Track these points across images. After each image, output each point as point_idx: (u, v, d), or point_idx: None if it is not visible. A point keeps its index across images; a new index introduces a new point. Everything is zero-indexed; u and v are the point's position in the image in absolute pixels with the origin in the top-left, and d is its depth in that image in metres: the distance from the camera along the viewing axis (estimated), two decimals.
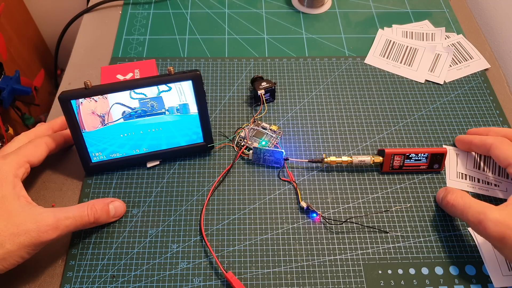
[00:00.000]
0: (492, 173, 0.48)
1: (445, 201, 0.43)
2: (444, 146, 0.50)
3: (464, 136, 0.49)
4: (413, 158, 0.47)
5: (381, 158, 0.47)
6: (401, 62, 0.58)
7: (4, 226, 0.35)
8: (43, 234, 0.36)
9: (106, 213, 0.42)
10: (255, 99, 0.53)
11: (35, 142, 0.43)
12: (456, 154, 0.49)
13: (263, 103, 0.52)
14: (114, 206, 0.43)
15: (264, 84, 0.52)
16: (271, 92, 0.52)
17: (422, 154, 0.47)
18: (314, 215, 0.44)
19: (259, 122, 0.51)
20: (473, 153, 0.49)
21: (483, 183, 0.47)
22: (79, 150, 0.45)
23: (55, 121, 0.48)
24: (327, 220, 0.44)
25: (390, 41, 0.60)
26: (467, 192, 0.46)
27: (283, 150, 0.47)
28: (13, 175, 0.38)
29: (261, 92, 0.51)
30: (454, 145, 0.50)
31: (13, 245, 0.35)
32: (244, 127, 0.51)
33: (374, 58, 0.59)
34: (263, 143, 0.49)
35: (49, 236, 0.36)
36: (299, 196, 0.45)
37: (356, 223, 0.44)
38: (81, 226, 0.40)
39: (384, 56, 0.59)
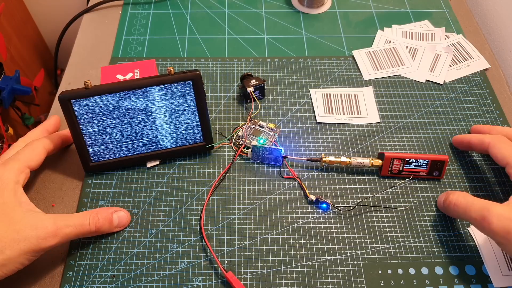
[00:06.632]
0: None
1: (447, 202, 0.42)
2: (443, 151, 0.50)
3: (462, 136, 0.49)
4: (413, 163, 0.46)
5: (380, 162, 0.47)
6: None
7: (4, 232, 0.35)
8: (42, 241, 0.36)
9: (109, 223, 0.41)
10: (244, 96, 0.53)
11: (32, 146, 0.42)
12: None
13: (254, 100, 0.52)
14: (118, 216, 0.42)
15: (253, 81, 0.52)
16: (260, 90, 0.53)
17: (423, 160, 0.46)
18: (324, 205, 0.44)
19: (256, 120, 0.52)
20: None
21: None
22: (79, 150, 0.45)
23: (48, 122, 0.48)
24: (339, 208, 0.45)
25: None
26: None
27: (281, 148, 0.47)
28: (14, 182, 0.38)
29: (250, 89, 0.51)
30: (452, 145, 0.50)
31: (13, 251, 0.35)
32: (241, 126, 0.51)
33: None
34: (261, 141, 0.49)
35: (48, 243, 0.36)
36: (306, 190, 0.46)
37: (368, 205, 0.45)
38: (82, 235, 0.39)
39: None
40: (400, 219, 0.45)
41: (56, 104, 0.54)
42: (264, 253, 0.42)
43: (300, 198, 0.46)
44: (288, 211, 0.45)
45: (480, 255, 0.42)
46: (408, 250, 0.43)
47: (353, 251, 0.42)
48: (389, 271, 0.41)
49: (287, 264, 0.42)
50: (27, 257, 0.36)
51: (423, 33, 0.62)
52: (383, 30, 0.63)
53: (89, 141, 0.45)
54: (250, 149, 0.48)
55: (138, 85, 0.43)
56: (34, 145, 0.43)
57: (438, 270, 0.42)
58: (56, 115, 0.49)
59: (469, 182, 0.47)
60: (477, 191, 0.47)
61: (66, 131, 0.48)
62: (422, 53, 0.59)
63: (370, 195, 0.46)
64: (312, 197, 0.45)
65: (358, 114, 0.53)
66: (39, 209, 0.38)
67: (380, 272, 0.41)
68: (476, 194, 0.46)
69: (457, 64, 0.59)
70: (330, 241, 0.43)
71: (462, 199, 0.40)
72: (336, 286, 0.40)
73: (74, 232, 0.38)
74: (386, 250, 0.43)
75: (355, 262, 0.42)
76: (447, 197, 0.43)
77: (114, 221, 0.42)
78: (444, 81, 0.57)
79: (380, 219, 0.45)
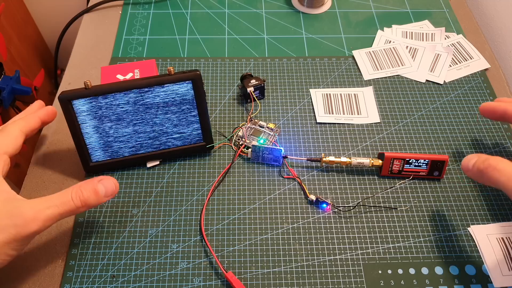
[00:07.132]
0: None
1: (485, 164, 0.37)
2: (443, 151, 0.50)
3: (495, 104, 0.43)
4: (413, 163, 0.46)
5: (380, 162, 0.47)
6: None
7: None
8: (21, 228, 0.33)
9: (95, 194, 0.37)
10: (244, 96, 0.53)
11: (7, 130, 0.40)
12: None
13: (254, 100, 0.52)
14: (104, 185, 0.38)
15: (253, 81, 0.52)
16: (260, 90, 0.53)
17: (423, 160, 0.46)
18: (324, 205, 0.45)
19: (256, 120, 0.52)
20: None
21: None
22: (79, 150, 0.45)
23: (31, 107, 0.45)
24: (339, 208, 0.45)
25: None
26: None
27: (281, 148, 0.47)
28: None
29: (250, 89, 0.51)
30: (452, 146, 0.50)
31: None
32: (241, 126, 0.51)
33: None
34: (261, 141, 0.49)
35: (29, 229, 0.33)
36: (306, 190, 0.46)
37: (368, 205, 0.45)
38: (68, 213, 0.36)
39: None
40: (400, 219, 0.45)
41: (56, 104, 0.54)
42: (264, 253, 0.42)
43: (300, 198, 0.46)
44: (288, 211, 0.45)
45: (480, 255, 0.42)
46: (408, 250, 0.43)
47: (353, 251, 0.42)
48: (389, 271, 0.41)
49: (287, 264, 0.42)
50: (11, 247, 0.34)
51: (423, 33, 0.62)
52: (383, 30, 0.63)
53: (89, 141, 0.45)
54: (250, 149, 0.48)
55: (138, 85, 0.43)
56: (9, 129, 0.40)
57: (438, 270, 0.42)
58: (39, 100, 0.46)
59: (469, 182, 0.47)
60: (477, 191, 0.47)
61: (44, 109, 0.44)
62: (422, 53, 0.59)
63: (370, 195, 0.46)
64: (312, 197, 0.45)
65: (358, 114, 0.53)
66: (21, 197, 0.36)
67: (380, 272, 0.41)
68: (476, 194, 0.46)
69: (457, 64, 0.59)
70: (330, 241, 0.43)
71: (507, 166, 0.36)
72: (336, 286, 0.40)
73: (57, 211, 0.35)
74: (386, 250, 0.43)
75: (355, 262, 0.42)
76: (485, 160, 0.37)
77: (100, 191, 0.37)
78: (444, 81, 0.57)
79: (380, 219, 0.45)
